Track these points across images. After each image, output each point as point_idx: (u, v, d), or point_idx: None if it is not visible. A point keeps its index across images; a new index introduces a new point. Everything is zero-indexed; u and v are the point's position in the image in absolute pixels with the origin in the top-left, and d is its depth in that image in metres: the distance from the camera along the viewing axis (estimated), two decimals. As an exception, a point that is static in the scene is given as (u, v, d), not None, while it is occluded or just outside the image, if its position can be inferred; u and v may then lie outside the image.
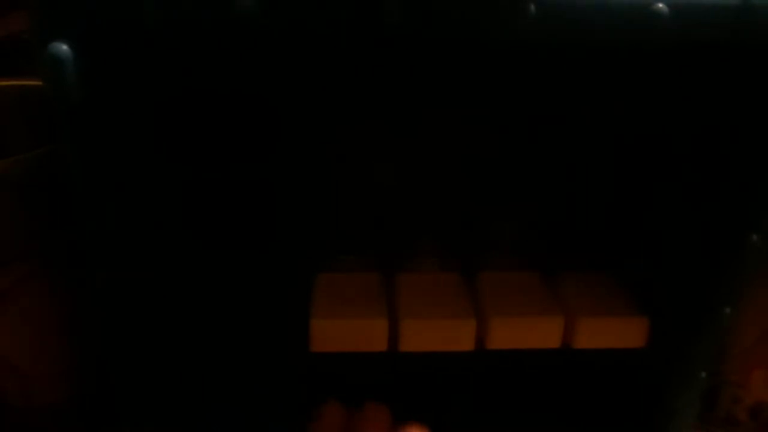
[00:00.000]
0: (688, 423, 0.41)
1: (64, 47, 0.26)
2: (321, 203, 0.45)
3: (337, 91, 0.42)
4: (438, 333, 0.39)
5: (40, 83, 0.27)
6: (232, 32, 0.27)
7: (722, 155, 0.37)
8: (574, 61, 0.41)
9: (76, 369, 0.42)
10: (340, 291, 0.42)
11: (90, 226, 0.31)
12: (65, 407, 0.42)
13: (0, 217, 0.36)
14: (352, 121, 0.43)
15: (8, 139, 0.42)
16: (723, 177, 0.36)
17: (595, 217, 0.47)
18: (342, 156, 0.44)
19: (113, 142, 0.30)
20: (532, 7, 0.28)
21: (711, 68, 0.37)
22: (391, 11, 0.27)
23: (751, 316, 0.43)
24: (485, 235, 0.47)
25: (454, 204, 0.46)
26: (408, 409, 0.36)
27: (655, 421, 0.42)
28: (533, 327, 0.40)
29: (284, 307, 0.43)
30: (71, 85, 0.27)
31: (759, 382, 0.46)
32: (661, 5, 0.28)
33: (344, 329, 0.39)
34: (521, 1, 0.27)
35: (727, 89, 0.36)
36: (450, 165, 0.45)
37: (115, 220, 0.31)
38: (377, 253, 0.46)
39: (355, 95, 0.43)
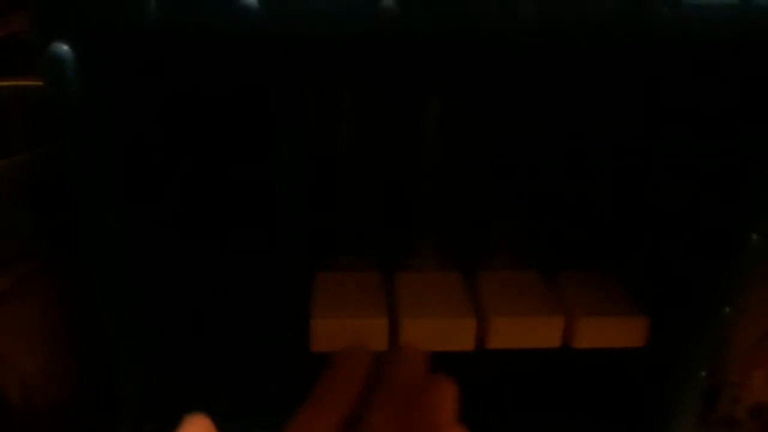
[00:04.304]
0: (688, 423, 0.41)
1: (65, 47, 0.26)
2: (321, 203, 0.45)
3: (338, 91, 0.42)
4: (438, 332, 0.39)
5: (40, 83, 0.27)
6: (232, 32, 0.27)
7: (722, 155, 0.37)
8: (573, 60, 0.41)
9: (76, 369, 0.42)
10: (340, 290, 0.42)
11: (90, 226, 0.31)
12: (65, 407, 0.42)
13: (0, 217, 0.36)
14: (352, 120, 0.43)
15: (8, 139, 0.42)
16: (723, 177, 0.36)
17: (595, 216, 0.47)
18: (342, 156, 0.44)
19: (113, 142, 0.30)
20: (533, 6, 0.28)
21: (711, 68, 0.37)
22: (390, 9, 0.27)
23: (751, 316, 0.43)
24: (485, 234, 0.47)
25: (454, 203, 0.46)
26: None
27: (655, 421, 0.42)
28: (533, 326, 0.40)
29: (284, 306, 0.43)
30: (71, 85, 0.27)
31: (759, 382, 0.46)
32: (660, 5, 0.28)
33: (344, 329, 0.39)
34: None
35: (728, 89, 0.36)
36: (450, 164, 0.45)
37: (115, 220, 0.31)
38: (377, 253, 0.46)
39: (355, 95, 0.43)
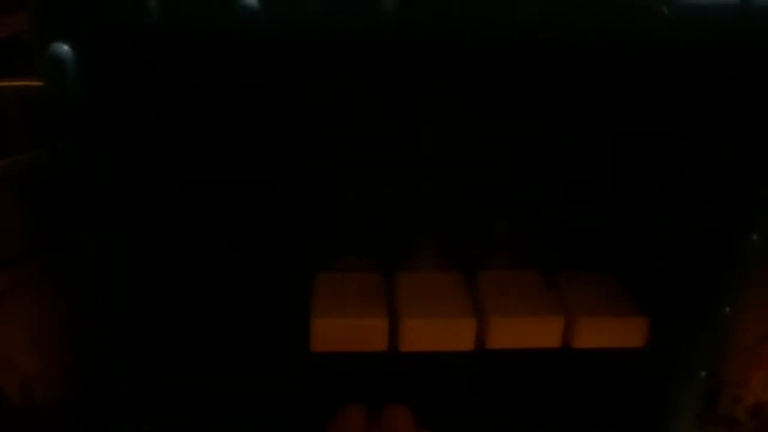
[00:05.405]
0: (688, 423, 0.41)
1: (65, 47, 0.26)
2: (321, 203, 0.45)
3: (337, 92, 0.42)
4: (438, 332, 0.39)
5: (40, 83, 0.27)
6: (233, 33, 0.27)
7: (722, 155, 0.37)
8: (573, 61, 0.41)
9: (76, 369, 0.42)
10: (340, 290, 0.42)
11: (90, 227, 0.31)
12: (65, 407, 0.42)
13: (0, 217, 0.36)
14: (352, 121, 0.43)
15: (8, 139, 0.42)
16: (723, 177, 0.36)
17: (595, 216, 0.47)
18: (342, 156, 0.44)
19: (113, 142, 0.30)
20: (532, 6, 0.28)
21: (711, 68, 0.37)
22: (391, 11, 0.27)
23: (751, 316, 0.43)
24: (485, 234, 0.47)
25: (453, 203, 0.46)
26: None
27: (655, 421, 0.42)
28: (533, 326, 0.40)
29: (284, 306, 0.43)
30: (71, 85, 0.27)
31: (759, 382, 0.46)
32: (661, 5, 0.28)
33: (344, 329, 0.39)
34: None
35: (727, 89, 0.36)
36: (450, 164, 0.45)
37: (114, 220, 0.31)
38: (377, 253, 0.46)
39: (354, 95, 0.43)
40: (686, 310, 0.39)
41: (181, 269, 0.42)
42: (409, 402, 0.37)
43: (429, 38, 0.30)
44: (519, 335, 0.40)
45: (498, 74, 0.42)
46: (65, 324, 0.40)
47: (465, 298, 0.41)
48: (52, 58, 0.26)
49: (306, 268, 0.44)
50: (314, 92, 0.42)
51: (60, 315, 0.40)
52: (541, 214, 0.47)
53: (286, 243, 0.45)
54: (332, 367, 0.42)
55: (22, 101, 0.43)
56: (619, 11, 0.28)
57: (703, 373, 0.39)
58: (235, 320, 0.45)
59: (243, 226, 0.44)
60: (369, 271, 0.44)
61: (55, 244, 0.39)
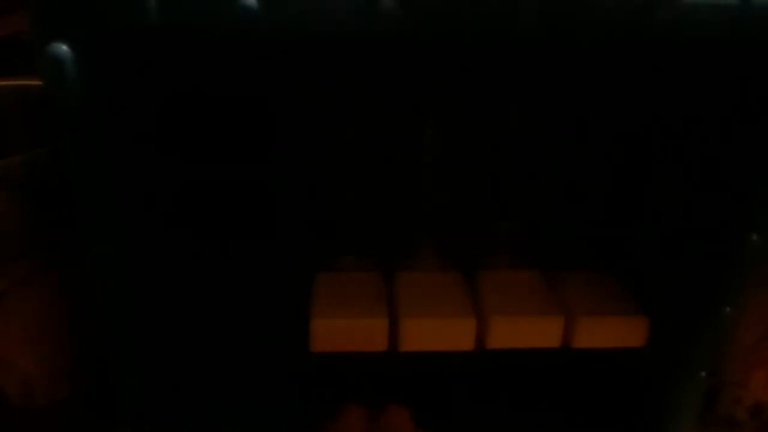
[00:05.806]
0: (688, 423, 0.41)
1: (64, 47, 0.26)
2: (321, 203, 0.45)
3: (337, 92, 0.42)
4: (438, 332, 0.39)
5: (40, 83, 0.27)
6: (232, 33, 0.27)
7: (722, 155, 0.37)
8: (573, 60, 0.41)
9: (77, 368, 0.42)
10: (340, 290, 0.42)
11: (90, 227, 0.31)
12: (65, 406, 0.42)
13: (0, 217, 0.36)
14: (352, 121, 0.43)
15: (8, 139, 0.42)
16: (723, 176, 0.36)
17: (596, 216, 0.47)
18: (342, 156, 0.44)
19: (113, 142, 0.30)
20: (532, 6, 0.28)
21: (711, 68, 0.37)
22: (390, 10, 0.27)
23: (751, 316, 0.43)
24: (485, 234, 0.47)
25: (453, 203, 0.46)
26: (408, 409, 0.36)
27: (655, 421, 0.42)
28: (533, 326, 0.40)
29: (284, 306, 0.43)
30: (71, 85, 0.27)
31: (759, 382, 0.46)
32: (661, 5, 0.28)
33: (344, 329, 0.39)
34: None
35: (728, 89, 0.36)
36: (449, 164, 0.45)
37: (114, 220, 0.31)
38: (377, 253, 0.46)
39: (354, 95, 0.43)
40: (686, 310, 0.39)
41: (180, 269, 0.42)
42: (408, 402, 0.37)
43: (429, 38, 0.30)
44: (519, 335, 0.40)
45: (498, 74, 0.42)
46: (65, 324, 0.40)
47: (465, 298, 0.41)
48: (51, 58, 0.26)
49: (306, 268, 0.44)
50: (314, 92, 0.42)
51: (60, 315, 0.40)
52: (541, 214, 0.47)
53: (286, 243, 0.45)
54: (332, 367, 0.42)
55: (22, 101, 0.43)
56: (619, 11, 0.28)
57: (703, 373, 0.39)
58: (236, 320, 0.45)
59: (243, 226, 0.44)
60: (369, 271, 0.44)
61: (55, 244, 0.39)
